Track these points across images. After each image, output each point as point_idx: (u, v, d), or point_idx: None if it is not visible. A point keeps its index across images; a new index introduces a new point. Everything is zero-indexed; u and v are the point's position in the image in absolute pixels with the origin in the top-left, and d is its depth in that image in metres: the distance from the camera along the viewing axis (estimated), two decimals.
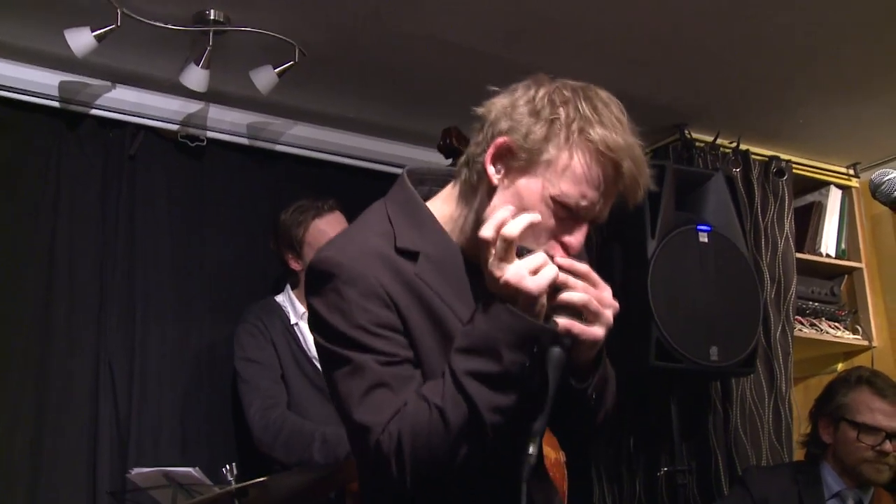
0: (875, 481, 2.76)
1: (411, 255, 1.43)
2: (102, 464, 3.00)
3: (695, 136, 3.68)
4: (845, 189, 4.09)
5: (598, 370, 1.43)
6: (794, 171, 3.89)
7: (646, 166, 1.39)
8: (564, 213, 1.38)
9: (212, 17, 2.85)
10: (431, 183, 1.56)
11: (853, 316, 3.98)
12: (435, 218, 1.48)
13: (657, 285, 2.99)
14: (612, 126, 1.36)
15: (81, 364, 3.06)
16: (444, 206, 1.50)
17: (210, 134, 3.42)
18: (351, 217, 3.04)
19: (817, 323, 3.85)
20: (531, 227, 1.35)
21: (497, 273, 1.32)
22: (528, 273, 1.31)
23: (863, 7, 2.85)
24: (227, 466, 2.40)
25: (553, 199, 1.37)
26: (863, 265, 4.01)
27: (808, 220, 4.00)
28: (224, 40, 2.92)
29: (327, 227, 2.98)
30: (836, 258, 4.00)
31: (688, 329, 2.99)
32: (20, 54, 3.05)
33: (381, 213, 1.49)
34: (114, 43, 2.81)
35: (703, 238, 3.14)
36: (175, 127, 3.36)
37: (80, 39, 2.76)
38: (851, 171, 4.11)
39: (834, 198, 4.05)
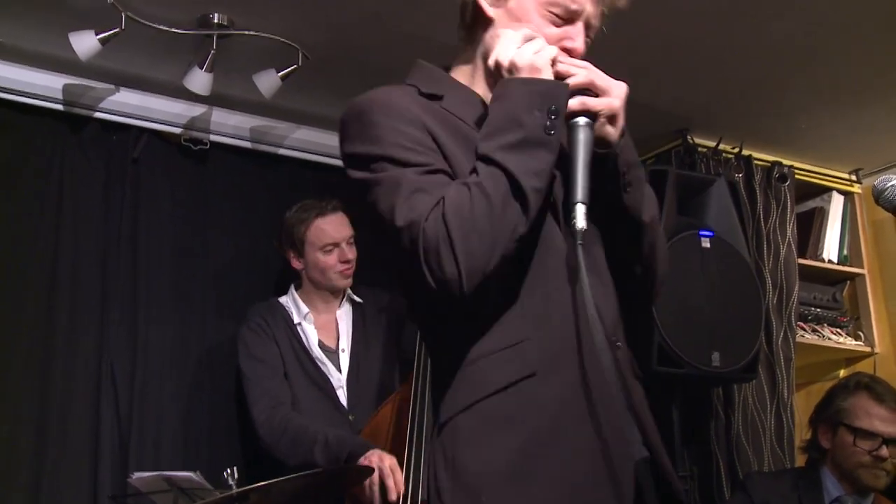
0: (872, 487, 2.76)
1: (436, 97, 1.52)
2: (104, 467, 2.99)
3: (697, 141, 3.68)
4: (847, 195, 4.09)
5: (623, 139, 1.46)
6: (797, 176, 3.90)
7: None
8: (560, 20, 1.50)
9: (216, 21, 2.86)
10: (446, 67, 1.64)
11: (855, 322, 3.98)
12: (451, 76, 1.59)
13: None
14: None
15: (83, 367, 3.06)
16: (455, 68, 1.61)
17: (213, 137, 3.42)
18: (355, 219, 3.08)
19: (819, 329, 3.85)
20: (528, 37, 1.45)
21: (502, 57, 1.43)
22: (530, 52, 1.41)
23: (864, 13, 2.85)
24: (228, 470, 2.40)
25: (543, 5, 1.49)
26: (865, 271, 4.02)
27: (811, 226, 4.00)
28: (228, 44, 2.93)
29: (329, 226, 3.00)
30: (838, 264, 4.00)
31: (690, 334, 2.99)
32: (24, 57, 3.05)
33: (401, 83, 1.57)
34: (118, 46, 2.82)
35: (706, 243, 3.14)
36: (178, 130, 3.36)
37: (85, 43, 2.77)
38: (854, 177, 4.11)
39: (836, 203, 4.05)
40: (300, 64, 2.99)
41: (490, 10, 1.52)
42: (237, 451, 3.17)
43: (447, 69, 1.61)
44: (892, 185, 1.65)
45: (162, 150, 3.36)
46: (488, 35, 1.54)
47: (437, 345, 1.51)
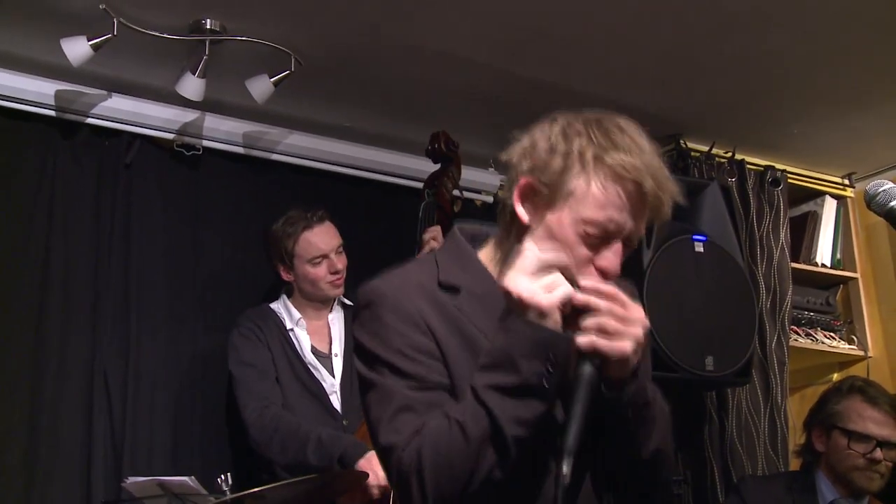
0: (867, 489, 2.76)
1: (453, 290, 1.50)
2: (97, 473, 2.98)
3: (690, 145, 3.68)
4: (840, 199, 4.10)
5: (633, 382, 1.40)
6: (790, 180, 3.90)
7: (669, 182, 1.42)
8: (595, 239, 1.42)
9: (208, 27, 2.86)
10: (483, 238, 1.61)
11: (848, 326, 3.98)
12: (479, 259, 1.55)
13: (653, 295, 2.97)
14: (627, 149, 1.40)
15: (76, 373, 3.05)
16: (487, 250, 1.57)
17: (206, 143, 3.41)
18: (342, 226, 3.07)
19: (813, 333, 3.85)
20: (569, 267, 1.38)
21: (511, 287, 1.35)
22: (540, 289, 1.34)
23: (856, 19, 2.86)
24: (223, 476, 2.39)
25: (579, 224, 1.41)
26: (858, 275, 4.02)
27: (804, 230, 4.01)
28: (220, 50, 2.92)
29: (317, 238, 2.99)
30: (831, 268, 4.01)
31: (683, 339, 2.99)
32: (16, 63, 3.04)
33: (430, 257, 1.59)
34: (110, 52, 2.82)
35: (699, 248, 3.14)
36: (171, 136, 3.35)
37: (77, 49, 2.77)
38: (847, 181, 4.12)
39: (829, 208, 4.05)
40: (293, 69, 2.99)
41: (526, 218, 1.46)
42: (231, 456, 3.16)
43: (480, 241, 1.58)
44: (884, 190, 1.64)
45: (154, 156, 3.35)
46: (520, 244, 1.45)
47: None
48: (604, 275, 1.42)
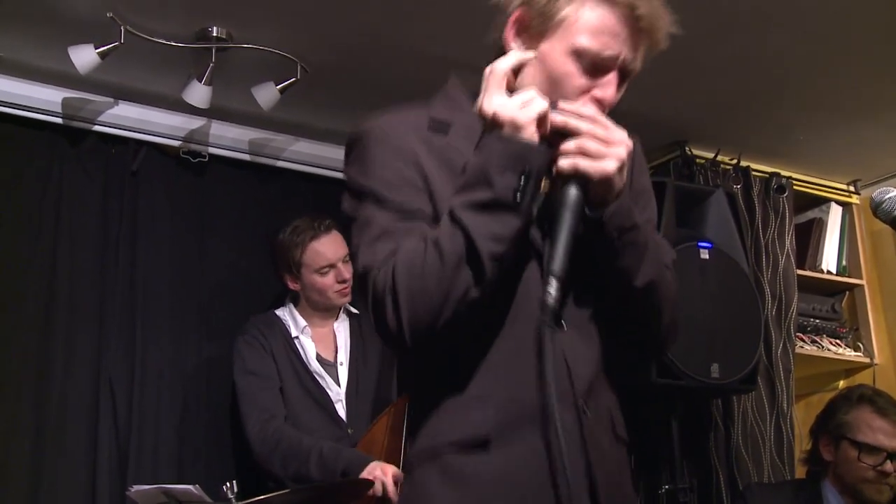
0: (876, 501, 2.74)
1: (444, 125, 1.48)
2: (102, 481, 2.99)
3: (695, 152, 3.68)
4: (846, 206, 4.09)
5: (616, 203, 1.37)
6: (795, 187, 3.89)
7: (662, 8, 1.40)
8: (588, 68, 1.39)
9: (214, 35, 2.87)
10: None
11: (854, 333, 3.97)
12: (471, 102, 1.48)
13: None
14: None
15: (81, 380, 3.06)
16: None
17: (212, 150, 3.42)
18: (347, 233, 3.07)
19: (818, 340, 3.84)
20: (555, 89, 1.38)
21: (486, 108, 1.35)
22: (515, 106, 1.33)
23: (862, 26, 2.86)
24: (228, 484, 2.39)
25: (572, 52, 1.38)
26: (864, 282, 4.01)
27: (809, 237, 4.00)
28: (226, 57, 2.93)
29: (324, 248, 2.98)
30: (836, 275, 4.00)
31: (689, 346, 2.97)
32: (24, 71, 3.06)
33: (422, 102, 1.55)
34: (117, 60, 2.82)
35: (704, 255, 3.13)
36: (177, 143, 3.36)
37: (84, 56, 2.78)
38: (852, 188, 4.11)
39: (835, 214, 4.05)
40: (299, 77, 3.00)
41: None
42: (236, 464, 3.16)
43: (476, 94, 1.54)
44: (889, 198, 1.64)
45: (161, 163, 3.36)
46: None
47: (407, 380, 1.51)
48: (599, 105, 1.40)
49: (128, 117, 3.25)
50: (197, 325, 3.30)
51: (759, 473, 3.43)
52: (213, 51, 2.88)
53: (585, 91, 1.40)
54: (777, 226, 3.76)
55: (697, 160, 3.67)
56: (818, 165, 3.94)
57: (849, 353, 3.89)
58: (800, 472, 3.19)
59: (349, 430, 2.90)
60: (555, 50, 1.40)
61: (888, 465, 2.70)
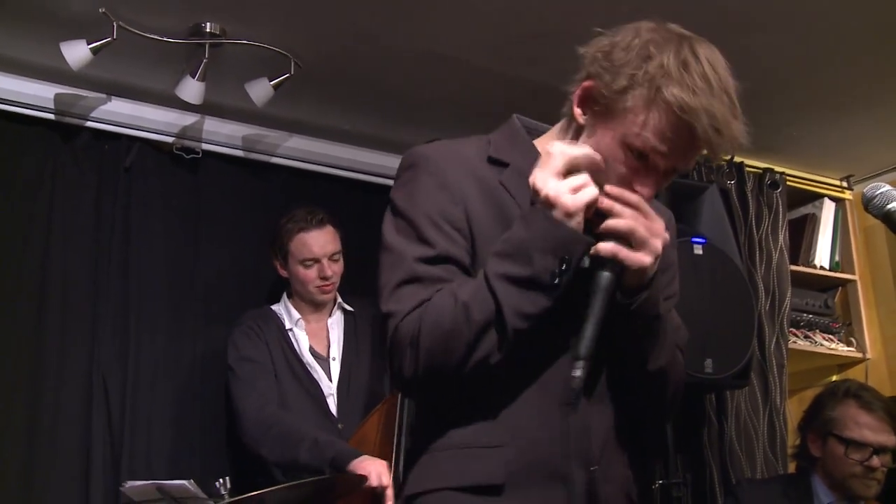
0: (863, 496, 2.76)
1: (501, 164, 1.50)
2: (96, 477, 2.98)
3: None
4: (839, 201, 4.10)
5: (647, 290, 1.40)
6: (788, 183, 3.90)
7: (730, 127, 1.39)
8: (637, 163, 1.40)
9: (208, 30, 2.86)
10: (541, 132, 1.61)
11: (847, 328, 3.98)
12: (532, 143, 1.55)
13: None
14: (692, 86, 1.36)
15: (75, 376, 3.05)
16: (545, 138, 1.56)
17: (205, 146, 3.41)
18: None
19: (811, 335, 3.85)
20: (599, 168, 1.39)
21: (539, 185, 1.37)
22: (567, 190, 1.35)
23: (855, 22, 2.87)
24: (221, 480, 2.39)
25: (625, 145, 1.39)
26: (856, 277, 4.02)
27: (803, 233, 4.00)
28: (220, 53, 2.93)
29: (312, 240, 2.99)
30: (829, 270, 4.00)
31: None
32: (16, 67, 3.05)
33: (484, 136, 1.58)
34: (110, 55, 2.81)
35: (698, 250, 3.12)
36: (170, 139, 3.35)
37: (76, 52, 2.77)
38: (845, 184, 4.11)
39: (828, 210, 4.05)
40: (292, 73, 2.99)
41: (581, 120, 1.46)
42: (230, 461, 3.16)
43: (538, 133, 1.59)
44: (881, 193, 1.64)
45: (154, 159, 3.35)
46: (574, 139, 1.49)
47: (422, 410, 1.53)
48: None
49: (121, 113, 3.24)
50: (191, 322, 3.29)
51: (753, 468, 3.44)
52: (207, 46, 2.87)
53: (627, 181, 1.41)
54: (770, 221, 3.76)
55: None
56: (811, 161, 3.94)
57: (841, 349, 3.89)
58: (791, 467, 3.20)
59: (339, 426, 2.90)
60: (610, 134, 1.41)
61: (875, 460, 2.71)
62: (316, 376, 2.97)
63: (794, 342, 3.74)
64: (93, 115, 3.21)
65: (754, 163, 3.83)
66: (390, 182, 3.66)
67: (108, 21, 2.72)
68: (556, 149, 1.39)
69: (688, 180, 3.52)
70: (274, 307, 3.09)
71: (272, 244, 3.09)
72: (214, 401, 3.20)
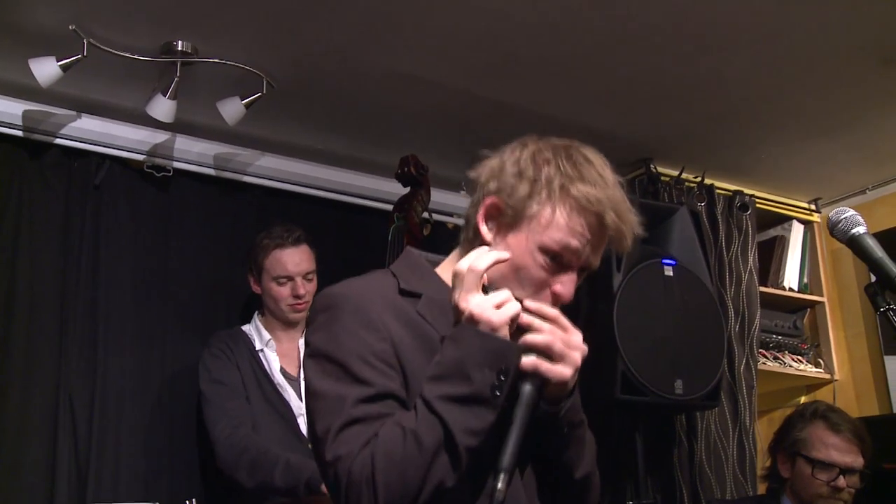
0: None
1: (414, 296, 1.52)
2: (60, 499, 2.92)
3: (660, 170, 3.71)
4: (807, 224, 4.14)
5: (570, 398, 1.46)
6: (758, 205, 3.94)
7: (631, 215, 1.47)
8: (551, 264, 1.45)
9: (179, 49, 2.85)
10: (438, 262, 1.64)
11: (815, 349, 4.01)
12: (436, 273, 1.59)
13: (623, 319, 2.98)
14: (592, 181, 1.45)
15: (40, 396, 2.99)
16: (446, 264, 1.60)
17: (177, 164, 3.38)
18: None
19: (780, 356, 3.88)
20: (517, 277, 1.45)
21: (462, 304, 1.39)
22: (491, 306, 1.38)
23: (824, 47, 2.91)
24: (189, 501, 2.36)
25: (539, 249, 1.44)
26: (824, 299, 4.06)
27: (772, 254, 4.04)
28: (191, 71, 2.91)
29: (287, 258, 2.99)
30: (798, 292, 4.04)
31: (653, 362, 2.99)
32: None
33: (385, 270, 1.59)
34: (79, 73, 2.79)
35: (669, 272, 3.15)
36: (141, 157, 3.32)
37: (45, 69, 2.75)
38: (813, 207, 4.17)
39: (796, 232, 4.09)
40: (264, 92, 2.98)
41: (488, 237, 1.51)
42: (198, 482, 3.12)
43: (436, 263, 1.62)
44: (845, 218, 1.67)
45: (124, 177, 3.31)
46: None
47: None
48: (556, 299, 1.46)
49: (91, 131, 3.21)
50: (159, 341, 3.25)
51: (722, 489, 3.45)
52: (178, 65, 2.86)
53: (545, 284, 1.46)
54: (740, 243, 3.79)
55: (662, 177, 3.70)
56: (780, 184, 3.99)
57: (810, 370, 3.93)
58: (761, 488, 3.22)
59: (309, 446, 2.87)
60: (523, 243, 1.46)
61: (841, 481, 2.73)
62: (286, 396, 2.95)
63: (764, 363, 3.76)
64: (62, 132, 3.18)
65: (724, 185, 3.87)
66: (363, 202, 3.73)
67: (79, 38, 2.71)
68: (463, 265, 1.41)
69: (658, 202, 3.55)
70: (245, 328, 3.07)
71: (247, 258, 3.08)
72: (183, 420, 3.16)
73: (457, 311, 1.40)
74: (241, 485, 2.69)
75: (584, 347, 1.43)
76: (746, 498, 3.31)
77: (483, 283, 1.41)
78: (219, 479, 2.80)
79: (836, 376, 3.94)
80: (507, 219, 1.48)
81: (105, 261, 3.20)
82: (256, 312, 3.11)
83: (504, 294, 1.40)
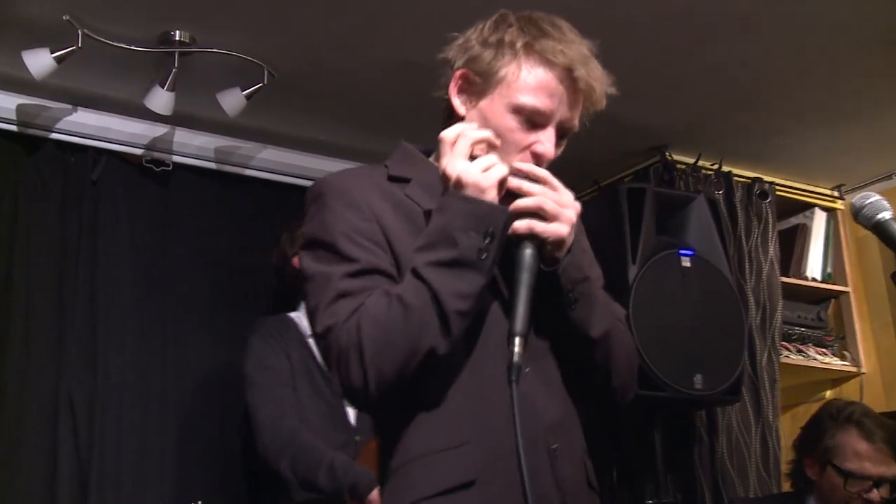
0: None
1: (403, 180, 1.55)
2: (62, 499, 2.88)
3: (676, 157, 3.64)
4: (830, 211, 4.06)
5: (569, 255, 1.46)
6: (778, 193, 3.86)
7: (599, 70, 1.49)
8: (526, 124, 1.48)
9: (177, 39, 2.81)
10: (431, 152, 1.65)
11: (840, 341, 3.92)
12: (427, 159, 1.61)
13: (639, 312, 2.91)
14: (558, 38, 1.48)
15: (39, 398, 2.96)
16: (436, 154, 1.59)
17: (176, 158, 3.34)
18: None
19: (804, 349, 3.79)
20: (497, 147, 1.46)
21: (449, 170, 1.42)
22: (478, 170, 1.41)
23: (845, 31, 2.86)
24: None
25: (511, 109, 1.47)
26: (849, 289, 3.97)
27: (793, 243, 3.96)
28: (190, 62, 2.87)
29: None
30: (822, 282, 3.96)
31: (671, 357, 2.92)
32: None
33: (379, 163, 1.62)
34: (75, 65, 2.76)
35: (686, 263, 3.08)
36: (139, 151, 3.29)
37: (39, 61, 2.71)
38: (836, 193, 4.08)
39: (819, 220, 4.01)
40: (266, 82, 2.94)
41: (462, 110, 1.53)
42: (202, 483, 3.09)
43: (429, 153, 1.63)
44: (870, 203, 1.62)
45: (122, 172, 3.28)
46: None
47: (382, 429, 1.51)
48: (538, 159, 1.48)
49: (87, 124, 3.17)
50: (160, 338, 3.21)
51: (745, 487, 3.38)
52: (176, 55, 2.82)
53: (526, 146, 1.48)
54: (760, 232, 3.72)
55: (678, 166, 3.63)
56: (801, 170, 3.91)
57: (835, 363, 3.84)
58: (786, 485, 3.13)
59: (357, 437, 2.80)
60: (496, 106, 1.49)
61: (874, 493, 2.62)
62: (334, 385, 2.86)
63: (787, 356, 3.68)
64: (57, 126, 3.14)
65: (743, 172, 3.80)
66: None
67: (73, 29, 2.67)
68: (449, 133, 1.44)
69: (674, 191, 3.48)
70: (292, 315, 2.99)
71: (277, 251, 3.03)
72: (185, 420, 3.14)
73: (444, 179, 1.42)
74: (281, 474, 2.64)
75: (578, 205, 1.46)
76: (770, 496, 3.24)
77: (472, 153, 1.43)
78: (224, 481, 2.75)
79: (863, 369, 3.85)
80: (477, 87, 1.50)
81: (103, 258, 3.16)
82: (301, 301, 3.01)
83: (491, 158, 1.42)
